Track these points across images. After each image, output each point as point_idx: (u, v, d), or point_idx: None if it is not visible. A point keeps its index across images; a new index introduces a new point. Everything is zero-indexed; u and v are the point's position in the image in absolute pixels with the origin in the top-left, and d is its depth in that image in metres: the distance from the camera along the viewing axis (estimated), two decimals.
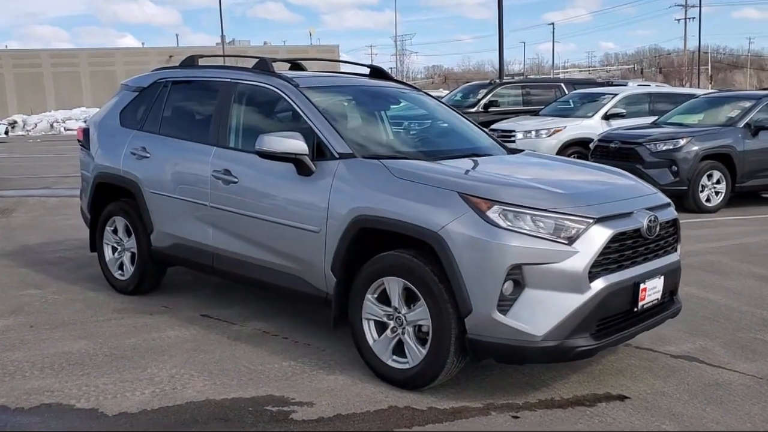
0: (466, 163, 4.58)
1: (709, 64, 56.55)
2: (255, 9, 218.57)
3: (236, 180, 4.85)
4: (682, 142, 10.48)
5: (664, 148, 10.51)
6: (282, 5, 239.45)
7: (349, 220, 4.17)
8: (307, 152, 4.41)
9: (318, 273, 4.41)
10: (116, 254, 5.95)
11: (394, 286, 4.01)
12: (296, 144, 4.38)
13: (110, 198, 5.96)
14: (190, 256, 5.30)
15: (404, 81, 5.94)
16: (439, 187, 3.91)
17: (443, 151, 4.92)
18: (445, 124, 5.47)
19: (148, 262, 5.67)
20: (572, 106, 14.47)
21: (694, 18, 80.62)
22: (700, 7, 51.67)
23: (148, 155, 5.55)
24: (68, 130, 34.45)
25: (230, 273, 5.07)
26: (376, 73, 5.84)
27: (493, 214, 3.71)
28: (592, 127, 13.16)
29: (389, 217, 4.00)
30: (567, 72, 78.86)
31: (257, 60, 5.21)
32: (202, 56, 5.82)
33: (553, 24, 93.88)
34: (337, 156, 4.41)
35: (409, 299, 4.00)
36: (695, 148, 10.43)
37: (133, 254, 5.80)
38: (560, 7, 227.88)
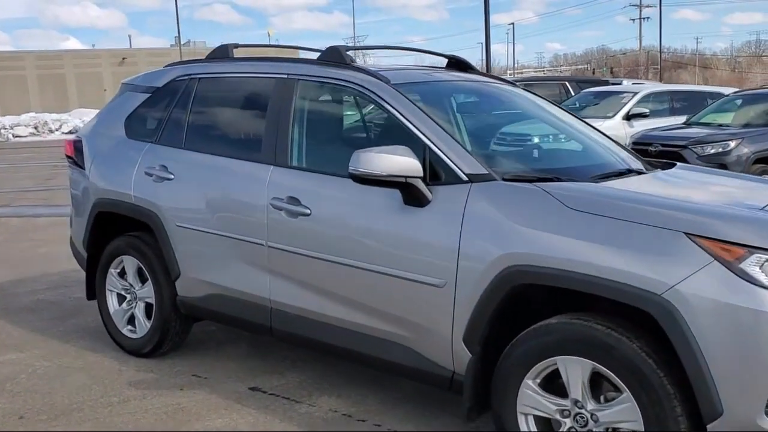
0: (639, 185, 3.33)
1: (660, 63, 57.69)
2: (202, 11, 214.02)
3: (308, 211, 3.53)
4: (731, 144, 9.50)
5: (712, 152, 9.51)
6: (229, 7, 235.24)
7: (498, 272, 2.91)
8: (421, 174, 3.14)
9: (441, 344, 3.14)
10: (125, 304, 4.56)
11: (576, 369, 2.76)
12: (408, 163, 3.10)
13: (115, 231, 4.58)
14: (237, 311, 3.96)
15: (494, 74, 4.63)
16: (653, 225, 2.66)
17: (591, 167, 3.64)
18: (570, 131, 4.20)
19: (171, 316, 4.30)
20: (585, 106, 13.35)
21: (648, 18, 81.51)
22: (660, 7, 51.76)
23: (171, 176, 4.18)
24: (17, 137, 32.28)
25: (298, 336, 3.74)
26: (457, 64, 4.51)
27: (751, 266, 2.49)
28: (613, 128, 12.05)
29: (571, 269, 2.75)
30: (521, 72, 78.38)
31: (325, 49, 3.90)
32: (237, 45, 4.44)
33: (513, 24, 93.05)
34: (465, 178, 3.14)
35: (596, 387, 2.77)
36: (746, 150, 9.46)
37: (148, 305, 4.42)
38: (507, 9, 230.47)
